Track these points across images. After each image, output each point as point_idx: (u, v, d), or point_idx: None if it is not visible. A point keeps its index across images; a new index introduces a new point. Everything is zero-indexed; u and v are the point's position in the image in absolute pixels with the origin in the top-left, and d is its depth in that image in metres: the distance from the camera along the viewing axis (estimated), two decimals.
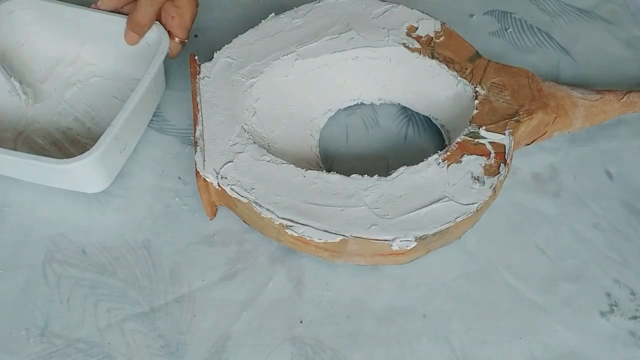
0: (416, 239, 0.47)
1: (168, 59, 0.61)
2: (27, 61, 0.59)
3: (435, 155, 0.51)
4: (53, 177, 0.52)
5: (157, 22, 0.56)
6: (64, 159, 0.47)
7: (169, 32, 0.56)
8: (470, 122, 0.53)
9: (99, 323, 0.48)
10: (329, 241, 0.47)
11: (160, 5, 0.55)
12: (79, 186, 0.52)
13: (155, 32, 0.56)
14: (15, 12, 0.57)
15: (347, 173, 0.50)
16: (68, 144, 0.56)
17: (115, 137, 0.49)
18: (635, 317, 0.51)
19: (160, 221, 0.53)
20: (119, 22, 0.57)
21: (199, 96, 0.53)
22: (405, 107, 0.62)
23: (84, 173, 0.50)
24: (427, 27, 0.59)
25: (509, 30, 0.70)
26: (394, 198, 0.48)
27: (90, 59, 0.61)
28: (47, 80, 0.60)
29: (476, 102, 0.55)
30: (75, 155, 0.48)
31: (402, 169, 0.50)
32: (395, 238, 0.46)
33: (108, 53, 0.60)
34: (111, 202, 0.54)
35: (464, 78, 0.56)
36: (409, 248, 0.47)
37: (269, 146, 0.54)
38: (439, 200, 0.48)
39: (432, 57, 0.57)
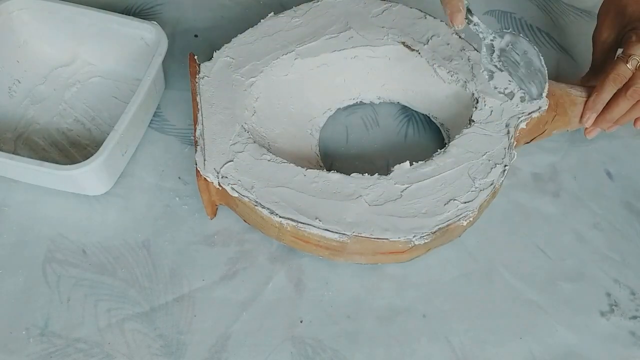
0: (416, 237, 0.47)
1: (167, 59, 0.62)
2: (26, 61, 0.59)
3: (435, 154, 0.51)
4: (55, 180, 0.52)
5: (155, 23, 0.56)
6: (67, 165, 0.48)
7: None
8: (469, 120, 0.54)
9: (99, 323, 0.48)
10: (329, 240, 0.47)
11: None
12: (81, 189, 0.52)
13: (154, 33, 0.56)
14: (15, 13, 0.57)
15: (347, 172, 0.50)
16: (69, 145, 0.56)
17: (117, 142, 0.49)
18: (635, 317, 0.51)
19: (160, 221, 0.53)
20: (119, 22, 0.56)
21: (198, 96, 0.53)
22: (405, 106, 0.62)
23: (87, 178, 0.50)
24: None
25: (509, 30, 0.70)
26: (394, 197, 0.48)
27: (90, 59, 0.61)
28: (46, 80, 0.60)
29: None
30: (77, 157, 0.48)
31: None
32: (396, 236, 0.46)
33: (107, 53, 0.60)
34: (111, 202, 0.54)
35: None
36: (410, 246, 0.47)
37: (269, 145, 0.54)
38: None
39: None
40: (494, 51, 0.49)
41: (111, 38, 0.58)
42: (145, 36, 0.57)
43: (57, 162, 0.49)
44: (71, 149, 0.56)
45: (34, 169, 0.48)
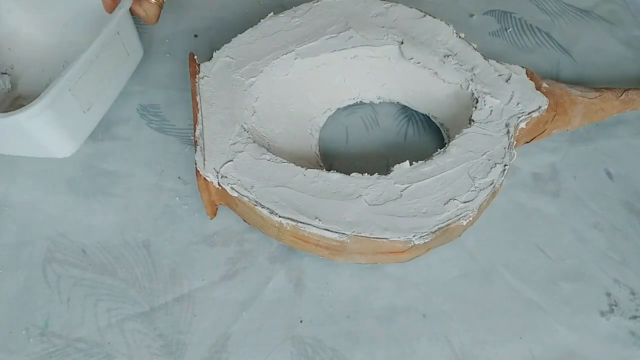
0: (416, 237, 0.47)
1: (167, 59, 0.62)
2: (18, 48, 0.60)
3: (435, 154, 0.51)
4: (11, 138, 0.50)
5: None
6: (10, 112, 0.46)
7: None
8: (469, 120, 0.54)
9: (99, 323, 0.48)
10: (329, 239, 0.47)
11: None
12: (42, 150, 0.51)
13: None
14: (1, 1, 0.58)
15: (347, 172, 0.50)
16: None
17: (70, 91, 0.48)
18: (635, 317, 0.51)
19: (160, 221, 0.53)
20: None
21: (198, 96, 0.53)
22: (405, 106, 0.62)
23: (37, 129, 0.48)
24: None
25: (509, 30, 0.70)
26: (394, 196, 0.48)
27: (75, 39, 0.61)
28: (34, 64, 0.60)
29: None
30: None
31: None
32: (396, 236, 0.46)
33: (90, 29, 0.59)
34: (111, 202, 0.54)
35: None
36: (409, 246, 0.47)
37: (268, 145, 0.54)
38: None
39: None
40: None
41: (94, 14, 0.57)
42: (124, 5, 0.55)
43: None
44: None
45: None
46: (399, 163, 0.50)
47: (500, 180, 0.50)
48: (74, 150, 0.53)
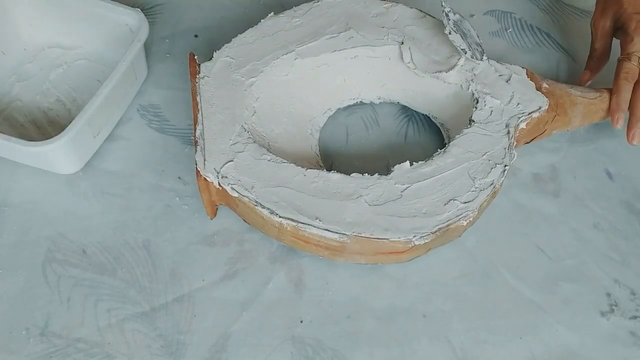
0: (417, 237, 0.47)
1: (167, 59, 0.62)
2: (17, 40, 0.60)
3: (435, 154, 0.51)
4: (25, 156, 0.52)
5: (138, 9, 0.56)
6: (33, 142, 0.48)
7: None
8: (469, 120, 0.54)
9: (99, 323, 0.48)
10: (329, 240, 0.47)
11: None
12: (50, 167, 0.53)
13: (136, 19, 0.56)
14: None
15: (347, 172, 0.50)
16: (47, 124, 0.57)
17: (87, 123, 0.50)
18: (635, 317, 0.51)
19: (160, 221, 0.53)
20: (105, 7, 0.57)
21: (198, 96, 0.53)
22: (405, 107, 0.62)
23: (54, 156, 0.51)
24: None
25: (509, 30, 0.70)
26: (394, 197, 0.48)
27: (79, 42, 0.61)
28: (34, 59, 0.60)
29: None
30: (53, 136, 0.49)
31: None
32: (396, 236, 0.46)
33: (95, 37, 0.60)
34: (111, 202, 0.54)
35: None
36: (410, 246, 0.47)
37: (269, 145, 0.54)
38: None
39: None
40: (449, 19, 0.55)
41: (98, 22, 0.58)
42: (129, 22, 0.57)
43: (32, 139, 0.49)
44: (49, 127, 0.56)
45: (2, 143, 0.49)
46: (399, 163, 0.50)
47: (501, 181, 0.50)
48: (79, 168, 0.54)
